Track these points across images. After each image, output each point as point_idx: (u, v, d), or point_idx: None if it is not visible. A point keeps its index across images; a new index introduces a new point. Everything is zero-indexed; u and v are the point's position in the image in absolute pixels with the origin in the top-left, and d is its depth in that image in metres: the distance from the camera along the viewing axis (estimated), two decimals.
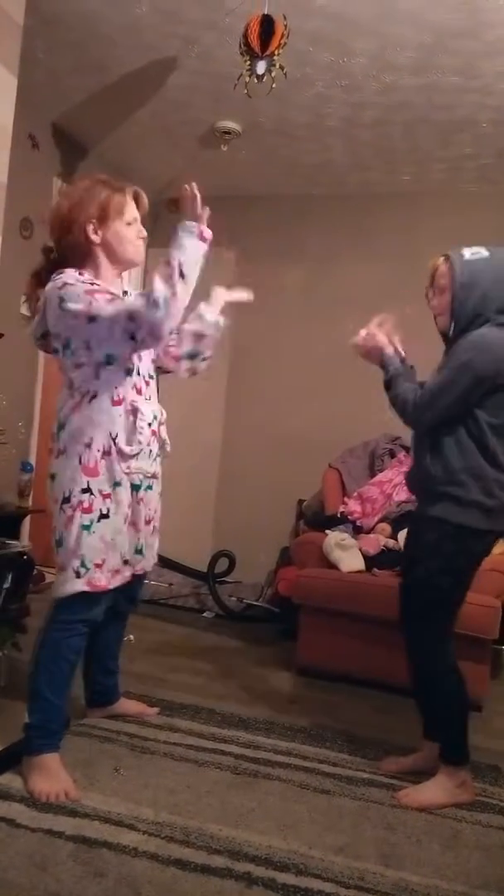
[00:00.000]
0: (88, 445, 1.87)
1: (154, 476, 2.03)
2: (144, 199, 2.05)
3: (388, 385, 2.11)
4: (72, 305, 1.78)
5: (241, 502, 4.60)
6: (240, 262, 4.64)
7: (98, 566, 1.90)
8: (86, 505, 1.87)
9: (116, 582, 1.96)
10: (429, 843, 1.82)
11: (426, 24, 2.80)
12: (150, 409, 1.98)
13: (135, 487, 1.95)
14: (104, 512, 1.88)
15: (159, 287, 1.74)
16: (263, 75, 3.04)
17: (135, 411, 1.91)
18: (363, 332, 2.17)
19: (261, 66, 3.03)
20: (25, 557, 2.79)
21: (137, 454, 1.92)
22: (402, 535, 3.23)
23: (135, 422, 1.91)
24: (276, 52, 2.93)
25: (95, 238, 1.93)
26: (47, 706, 1.91)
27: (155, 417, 1.99)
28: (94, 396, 1.88)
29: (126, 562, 1.98)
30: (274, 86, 2.89)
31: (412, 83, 3.21)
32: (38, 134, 3.88)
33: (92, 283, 1.87)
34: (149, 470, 1.98)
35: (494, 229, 3.99)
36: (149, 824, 1.76)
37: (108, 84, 3.51)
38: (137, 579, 2.14)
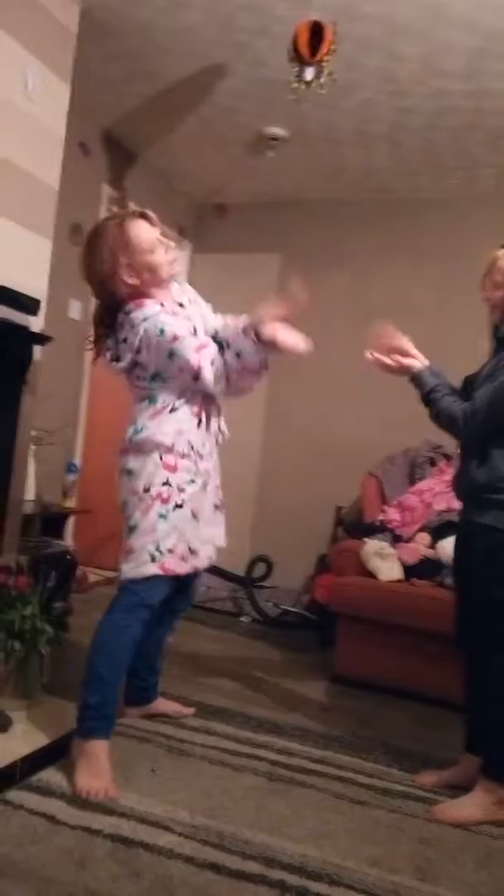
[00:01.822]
0: (170, 449, 2.02)
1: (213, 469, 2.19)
2: (152, 216, 2.10)
3: (428, 401, 2.10)
4: (162, 345, 1.96)
5: (279, 507, 4.61)
6: (284, 267, 4.65)
7: (171, 551, 2.02)
8: (165, 496, 2.01)
9: (184, 569, 2.06)
10: (464, 859, 1.81)
11: (475, 27, 2.77)
12: (214, 411, 2.14)
13: (203, 485, 2.11)
14: (178, 503, 2.03)
15: (209, 378, 1.96)
16: (312, 81, 3.05)
17: (206, 420, 2.10)
18: (372, 355, 2.16)
19: (309, 73, 3.04)
20: (69, 557, 2.84)
21: (207, 457, 2.10)
22: (442, 544, 3.20)
23: (207, 428, 2.10)
24: (324, 59, 2.93)
25: (135, 281, 2.03)
26: (105, 688, 1.99)
27: (216, 416, 2.16)
28: (174, 409, 2.04)
29: (193, 551, 2.08)
30: (323, 92, 2.90)
31: (461, 88, 3.18)
32: (89, 141, 3.95)
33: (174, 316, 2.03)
34: (210, 466, 2.14)
35: None
36: (185, 826, 1.78)
37: (159, 91, 3.56)
38: (193, 578, 2.26)
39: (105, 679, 1.99)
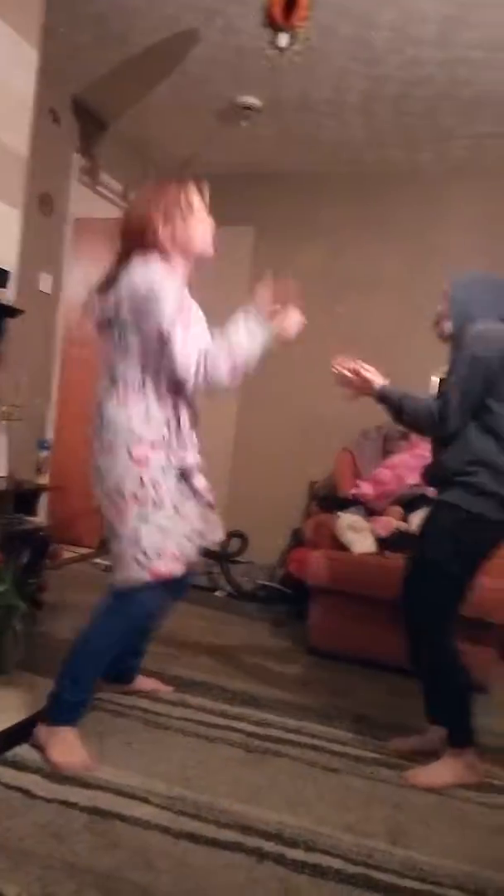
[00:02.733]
0: (139, 439, 1.88)
1: (197, 463, 2.05)
2: (206, 192, 2.05)
3: (398, 412, 2.13)
4: (164, 316, 1.79)
5: (254, 483, 4.62)
6: (257, 240, 4.61)
7: (159, 555, 1.89)
8: (140, 497, 1.87)
9: (177, 568, 1.94)
10: (436, 822, 1.85)
11: None
12: (188, 418, 2.00)
13: (184, 476, 1.97)
14: (156, 501, 1.88)
15: (223, 373, 1.84)
16: (286, 48, 2.99)
17: (178, 406, 1.95)
18: (339, 371, 2.22)
19: (283, 39, 2.99)
20: (42, 534, 2.82)
21: (185, 446, 1.96)
22: (414, 517, 3.23)
23: (180, 417, 1.95)
24: (299, 25, 2.88)
25: (167, 234, 1.93)
26: (82, 686, 1.95)
27: (192, 408, 2.03)
28: (143, 392, 1.90)
29: (184, 547, 1.95)
30: (297, 59, 2.85)
31: (434, 56, 3.15)
32: (59, 108, 3.85)
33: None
34: (193, 460, 2.01)
35: None
36: (161, 798, 1.80)
37: (130, 57, 3.47)
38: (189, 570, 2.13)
39: (84, 679, 1.95)
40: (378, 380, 2.19)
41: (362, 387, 2.20)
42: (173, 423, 1.94)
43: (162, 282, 1.83)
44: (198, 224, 1.98)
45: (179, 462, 1.95)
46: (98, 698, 2.28)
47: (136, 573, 1.89)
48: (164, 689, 2.46)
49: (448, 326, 2.13)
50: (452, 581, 2.05)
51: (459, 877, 1.62)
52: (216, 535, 2.14)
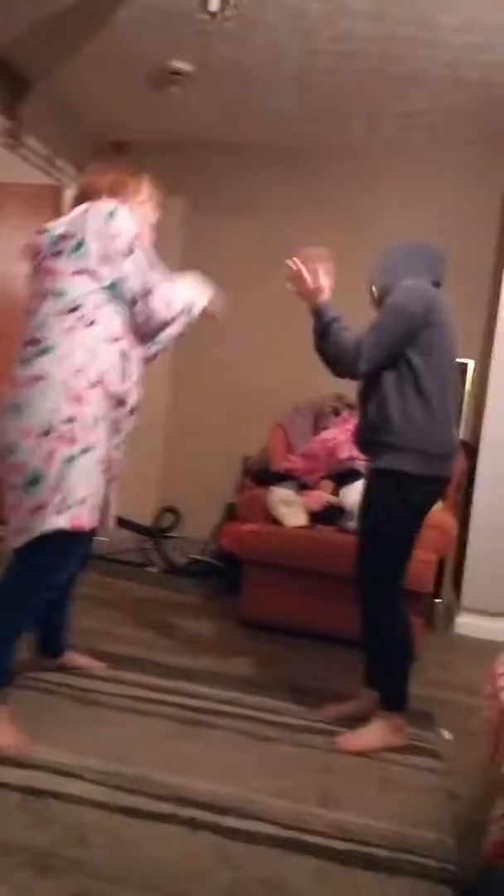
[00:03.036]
0: (79, 372, 1.81)
1: (126, 433, 2.02)
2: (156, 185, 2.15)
3: (323, 332, 2.10)
4: (122, 241, 1.85)
5: (186, 458, 4.59)
6: (188, 212, 4.53)
7: (80, 502, 1.81)
8: (68, 436, 1.78)
9: (93, 521, 1.88)
10: (365, 785, 1.92)
11: None
12: (138, 361, 1.99)
13: (111, 436, 1.92)
14: (86, 447, 1.80)
15: (178, 312, 1.98)
16: (217, 13, 2.92)
17: (125, 355, 1.91)
18: (294, 264, 2.17)
19: (214, 3, 2.91)
20: None
21: (123, 398, 1.91)
22: (344, 491, 3.29)
23: (124, 366, 1.91)
24: None
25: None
26: (5, 649, 1.89)
27: (140, 376, 2.02)
28: (92, 324, 1.85)
29: (95, 506, 1.89)
30: (229, 24, 2.79)
31: (367, 32, 3.14)
32: None
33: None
34: (127, 424, 1.99)
35: (445, 186, 4.00)
36: (96, 773, 1.79)
37: (55, 13, 3.32)
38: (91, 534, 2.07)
39: (5, 641, 1.89)
40: (326, 294, 2.14)
41: (310, 291, 2.13)
42: (117, 371, 1.89)
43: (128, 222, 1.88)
44: (143, 213, 2.04)
45: (117, 415, 1.92)
46: (28, 677, 2.25)
47: (52, 522, 1.78)
48: (97, 665, 2.44)
49: (374, 291, 2.19)
50: (393, 545, 2.11)
51: (387, 835, 1.69)
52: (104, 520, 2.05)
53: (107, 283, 1.86)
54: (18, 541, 1.84)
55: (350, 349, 2.04)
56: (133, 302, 1.89)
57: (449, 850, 1.65)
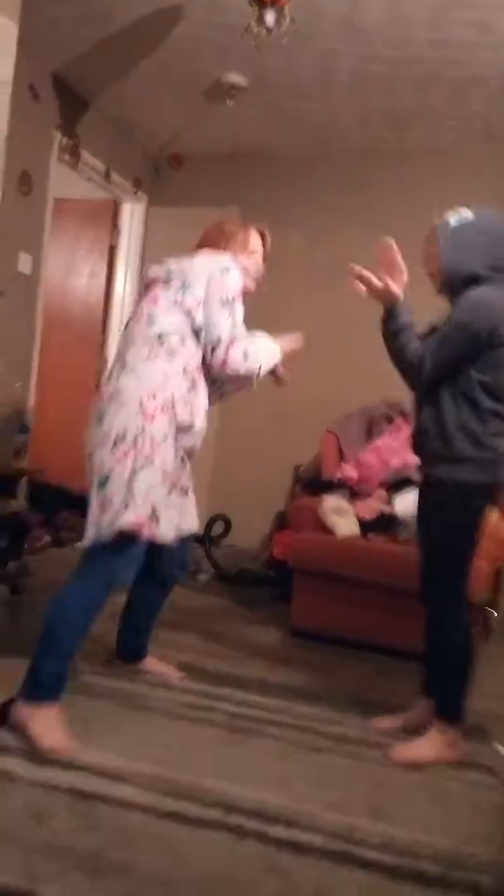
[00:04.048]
0: (153, 396, 1.98)
1: (193, 452, 2.19)
2: (267, 236, 2.37)
3: (395, 334, 2.06)
4: (227, 292, 2.05)
5: (237, 466, 4.61)
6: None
7: (141, 506, 1.93)
8: (139, 446, 1.94)
9: (152, 530, 1.97)
10: (417, 800, 1.87)
11: None
12: (205, 395, 2.13)
13: (177, 453, 2.07)
14: (150, 458, 1.95)
15: (252, 367, 2.09)
16: (272, 27, 2.95)
17: (195, 386, 2.07)
18: (361, 272, 2.09)
19: (270, 17, 2.94)
20: (20, 518, 2.80)
21: (188, 426, 2.06)
22: (398, 500, 3.24)
23: (193, 396, 2.06)
24: (285, 2, 2.84)
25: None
26: (62, 656, 1.94)
27: (205, 408, 2.16)
28: (172, 354, 2.03)
29: (157, 520, 1.99)
30: (285, 40, 2.81)
31: (424, 37, 3.12)
32: (38, 85, 3.77)
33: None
34: (194, 444, 2.15)
35: (501, 188, 3.93)
36: (143, 778, 1.79)
37: (112, 34, 3.41)
38: (184, 544, 2.29)
39: (64, 648, 1.94)
40: (398, 292, 2.07)
41: (382, 291, 2.07)
42: (184, 398, 2.04)
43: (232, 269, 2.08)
44: (252, 255, 2.28)
45: (181, 437, 2.06)
46: (79, 681, 2.27)
47: (119, 517, 1.90)
48: (175, 675, 2.46)
49: (438, 287, 2.09)
50: (458, 554, 2.06)
51: (439, 851, 1.63)
52: (190, 525, 2.25)
53: (197, 323, 2.04)
54: (87, 539, 1.96)
55: (414, 364, 2.02)
56: (214, 347, 2.04)
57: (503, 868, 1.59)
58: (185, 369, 2.04)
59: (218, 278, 2.04)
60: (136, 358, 2.03)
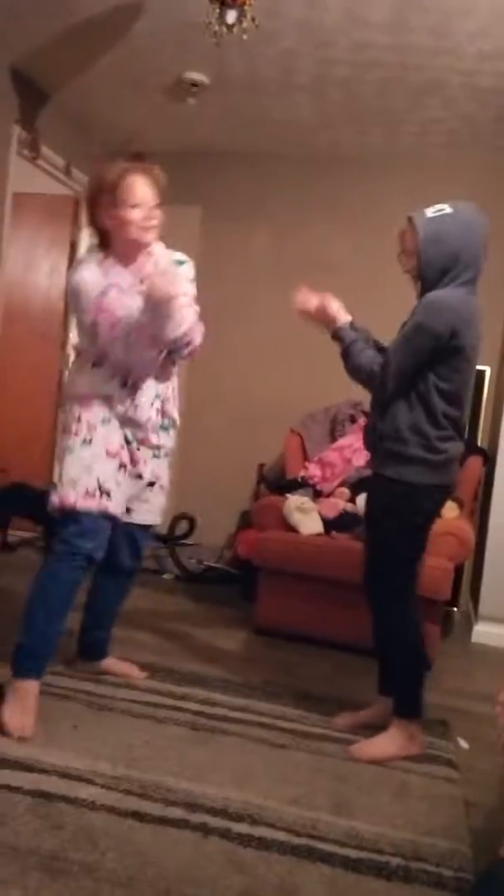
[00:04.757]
0: (87, 397, 2.12)
1: (158, 447, 2.25)
2: (160, 178, 2.20)
3: (346, 354, 2.11)
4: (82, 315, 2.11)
5: (202, 465, 4.60)
6: (204, 221, 4.56)
7: (70, 483, 2.06)
8: (74, 430, 2.11)
9: (88, 504, 2.06)
10: (379, 793, 1.89)
11: None
12: (152, 386, 2.18)
13: (127, 441, 2.17)
14: (87, 439, 2.09)
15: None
16: (234, 25, 2.94)
17: (134, 384, 2.14)
18: (301, 299, 2.17)
19: (231, 16, 2.93)
20: None
21: (135, 420, 2.15)
22: (361, 499, 3.27)
23: (135, 391, 2.14)
24: (247, 2, 2.84)
25: (106, 226, 2.13)
26: (38, 631, 2.03)
27: (157, 395, 2.20)
28: (95, 365, 2.13)
29: (107, 494, 2.08)
30: (245, 37, 2.81)
31: (384, 41, 3.15)
32: None
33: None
34: (150, 439, 2.21)
35: (461, 195, 3.99)
36: (106, 778, 1.79)
37: (71, 26, 3.36)
38: (139, 533, 2.34)
39: (38, 623, 2.03)
40: (342, 316, 2.13)
41: (324, 322, 2.15)
42: (124, 396, 2.14)
43: (78, 276, 2.09)
44: (131, 209, 2.08)
45: (122, 419, 2.14)
46: (43, 682, 2.24)
47: (51, 497, 2.08)
48: (137, 674, 2.45)
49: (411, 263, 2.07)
50: (404, 552, 2.09)
51: (401, 844, 1.66)
52: (146, 518, 2.31)
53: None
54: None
55: (375, 374, 2.04)
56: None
57: (464, 860, 1.62)
58: (111, 370, 2.15)
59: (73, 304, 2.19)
60: (70, 373, 2.33)
